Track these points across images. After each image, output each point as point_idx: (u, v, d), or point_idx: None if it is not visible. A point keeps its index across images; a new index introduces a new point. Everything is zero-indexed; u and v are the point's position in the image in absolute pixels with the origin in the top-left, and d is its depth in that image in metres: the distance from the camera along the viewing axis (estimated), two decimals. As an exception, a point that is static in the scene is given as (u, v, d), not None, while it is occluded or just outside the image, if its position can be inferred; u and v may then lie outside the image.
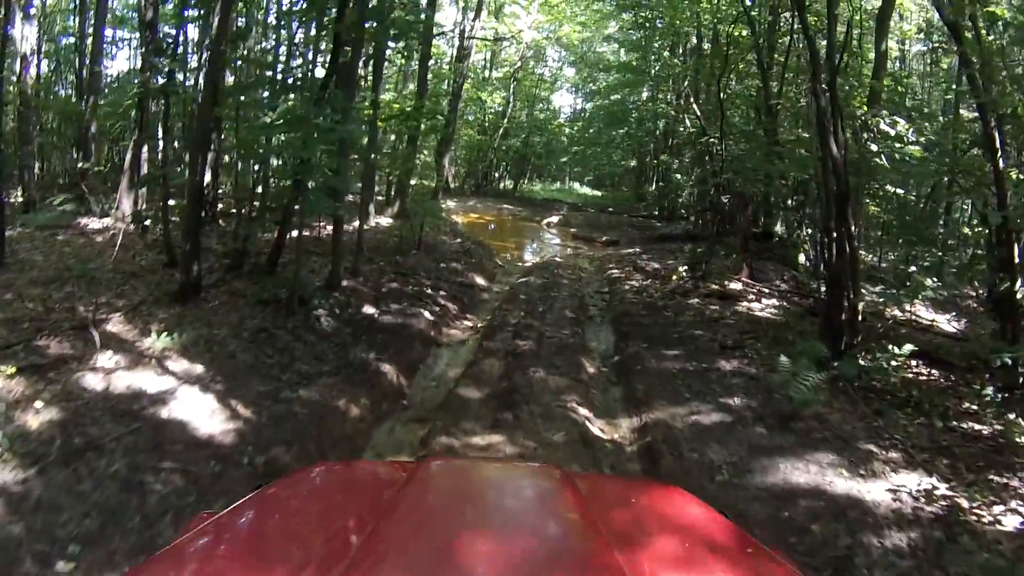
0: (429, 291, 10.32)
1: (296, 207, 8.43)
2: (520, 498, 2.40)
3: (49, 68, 23.75)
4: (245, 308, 8.08)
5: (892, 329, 8.80)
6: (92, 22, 15.80)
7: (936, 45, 15.17)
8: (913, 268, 8.39)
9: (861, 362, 7.72)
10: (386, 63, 30.89)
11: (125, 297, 8.47)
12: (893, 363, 7.42)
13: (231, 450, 5.20)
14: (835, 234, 7.50)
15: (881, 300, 8.15)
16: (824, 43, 8.23)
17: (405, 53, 14.04)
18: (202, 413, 5.62)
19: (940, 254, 8.89)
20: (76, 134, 15.84)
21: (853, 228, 7.36)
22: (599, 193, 37.44)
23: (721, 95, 13.35)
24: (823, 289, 8.31)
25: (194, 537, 1.99)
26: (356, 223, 15.64)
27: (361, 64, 13.06)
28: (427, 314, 9.19)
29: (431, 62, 29.25)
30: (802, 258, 13.57)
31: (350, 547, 1.78)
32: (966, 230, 8.57)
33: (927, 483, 5.28)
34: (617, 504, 2.37)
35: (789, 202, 14.37)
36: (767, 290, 11.67)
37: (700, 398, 6.60)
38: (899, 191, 10.53)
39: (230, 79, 11.35)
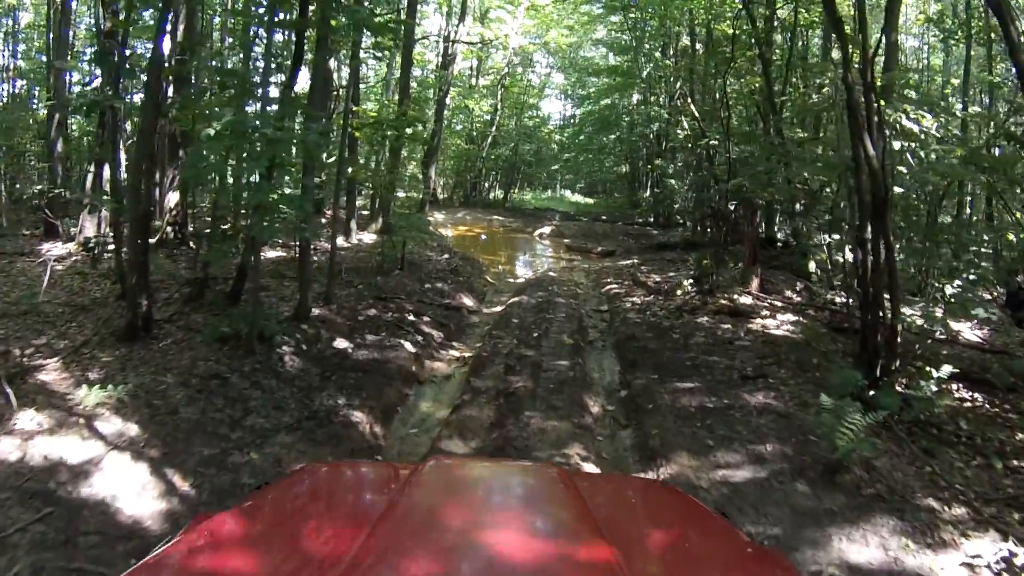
0: (411, 317, 9.32)
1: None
2: (520, 498, 2.38)
3: (26, 87, 23.01)
4: (200, 347, 7.09)
5: (927, 348, 7.89)
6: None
7: (944, 36, 14.28)
8: (958, 282, 7.42)
9: (898, 388, 6.84)
10: (369, 71, 30.22)
11: (68, 336, 7.52)
12: (934, 388, 6.54)
13: (158, 542, 4.22)
14: (870, 245, 6.54)
15: (919, 316, 7.21)
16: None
17: (380, 55, 12.98)
18: (130, 490, 4.63)
19: (986, 265, 7.95)
20: (46, 154, 14.96)
21: (892, 238, 6.41)
22: (591, 201, 36.61)
23: (724, 94, 12.44)
24: (858, 306, 7.35)
25: (194, 537, 1.98)
26: (341, 242, 14.87)
27: (338, 72, 12.20)
28: (408, 345, 8.20)
29: (416, 72, 28.60)
30: (812, 266, 12.69)
31: (350, 547, 1.72)
32: (1010, 236, 7.62)
33: (1004, 549, 4.39)
34: (617, 504, 2.41)
35: (796, 206, 13.47)
36: (779, 303, 10.75)
37: (725, 445, 5.63)
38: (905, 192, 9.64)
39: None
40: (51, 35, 15.46)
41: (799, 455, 5.48)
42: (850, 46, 6.67)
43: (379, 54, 12.45)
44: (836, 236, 14.25)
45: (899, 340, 6.97)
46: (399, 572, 1.64)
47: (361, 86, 24.77)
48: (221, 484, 4.80)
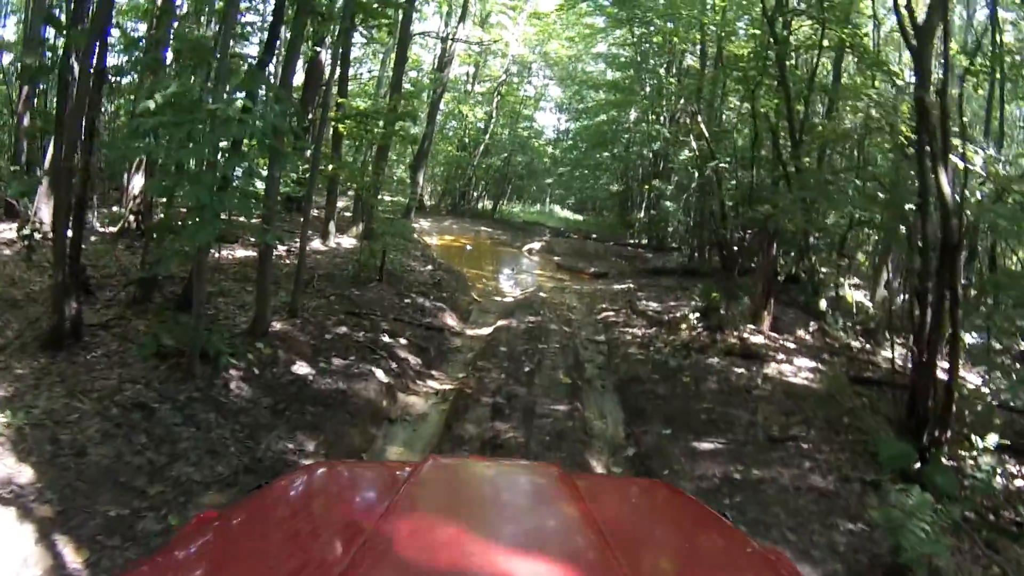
0: (386, 338, 8.19)
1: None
2: (520, 498, 2.37)
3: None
4: (135, 363, 5.94)
5: (977, 414, 6.92)
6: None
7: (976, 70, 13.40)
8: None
9: (944, 460, 5.88)
10: (362, 68, 29.15)
11: (-11, 340, 6.36)
12: (991, 463, 5.62)
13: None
14: (931, 296, 5.56)
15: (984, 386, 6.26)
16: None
17: (368, 34, 11.75)
18: (6, 566, 3.51)
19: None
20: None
21: (960, 290, 5.42)
22: (581, 218, 35.64)
23: (752, 114, 11.49)
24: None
25: (194, 537, 1.98)
26: (318, 245, 13.71)
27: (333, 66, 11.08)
28: (380, 373, 7.07)
29: (412, 73, 27.55)
30: (823, 304, 11.74)
31: (350, 547, 1.69)
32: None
33: None
34: (617, 504, 2.38)
35: (811, 240, 12.53)
36: (792, 344, 9.77)
37: (762, 534, 4.56)
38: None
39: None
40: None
41: (852, 551, 4.47)
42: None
43: (367, 32, 11.22)
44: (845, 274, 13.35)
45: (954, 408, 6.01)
46: (399, 572, 1.61)
47: (354, 86, 23.86)
48: (125, 561, 3.67)
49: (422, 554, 1.69)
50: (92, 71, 5.91)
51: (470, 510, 2.15)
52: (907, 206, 5.91)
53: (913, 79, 10.11)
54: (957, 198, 5.18)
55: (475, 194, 32.00)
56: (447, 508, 2.12)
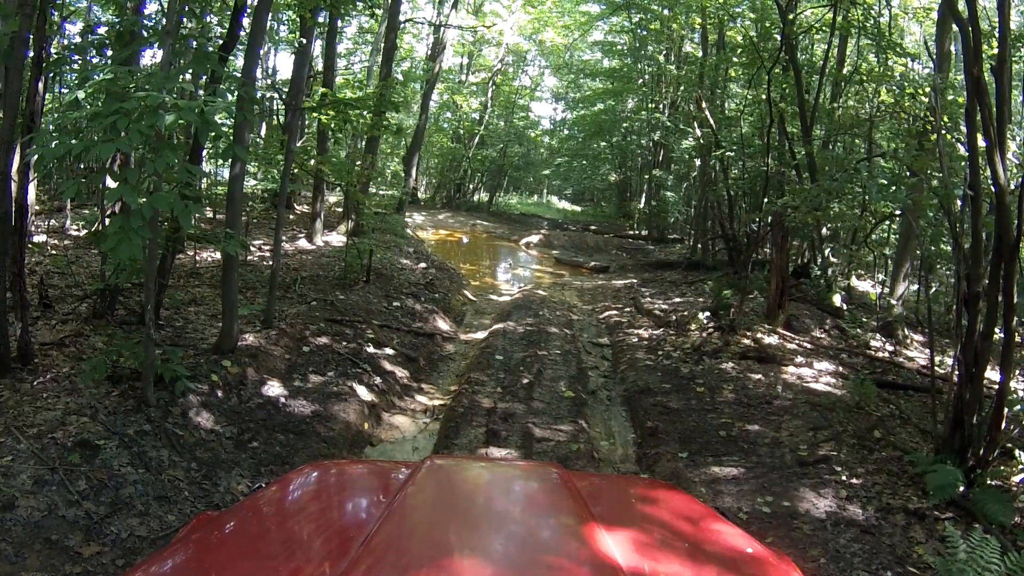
0: (371, 348, 7.51)
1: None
2: (520, 498, 2.35)
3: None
4: (85, 389, 5.24)
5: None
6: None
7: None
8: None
9: (990, 481, 5.26)
10: (355, 59, 28.40)
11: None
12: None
13: None
14: (983, 302, 4.89)
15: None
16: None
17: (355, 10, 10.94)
18: None
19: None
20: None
21: (1015, 296, 4.76)
22: (579, 209, 35.00)
23: (769, 102, 10.81)
24: (951, 369, 5.73)
25: (195, 536, 1.97)
26: (304, 244, 13.03)
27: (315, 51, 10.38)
28: (362, 390, 6.39)
29: (404, 65, 26.78)
30: (838, 300, 11.09)
31: (350, 547, 1.67)
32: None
33: None
34: (617, 504, 2.39)
35: (824, 232, 11.88)
36: (809, 345, 9.11)
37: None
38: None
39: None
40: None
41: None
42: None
43: (351, 15, 10.51)
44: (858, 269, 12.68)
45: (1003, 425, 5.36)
46: (399, 572, 1.59)
47: (346, 78, 23.11)
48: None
49: (422, 555, 1.70)
50: (31, 58, 5.24)
51: (470, 510, 2.15)
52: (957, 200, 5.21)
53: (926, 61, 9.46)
54: (1011, 193, 4.50)
55: (471, 186, 31.27)
56: (447, 508, 2.12)
